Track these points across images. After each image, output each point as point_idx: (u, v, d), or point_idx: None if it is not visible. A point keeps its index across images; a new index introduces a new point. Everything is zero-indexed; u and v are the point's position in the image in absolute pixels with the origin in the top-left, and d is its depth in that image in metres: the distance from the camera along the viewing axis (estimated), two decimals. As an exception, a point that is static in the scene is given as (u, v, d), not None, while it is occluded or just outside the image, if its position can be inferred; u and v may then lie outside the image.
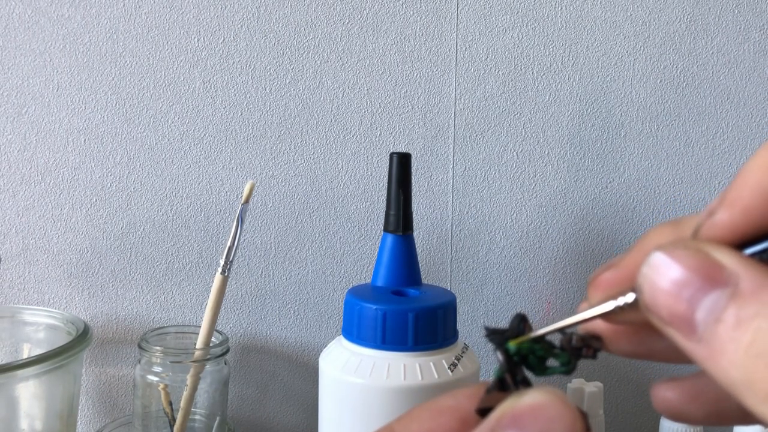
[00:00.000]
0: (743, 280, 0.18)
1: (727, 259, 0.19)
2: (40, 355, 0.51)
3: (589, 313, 0.22)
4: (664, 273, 0.19)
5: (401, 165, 0.52)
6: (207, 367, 0.56)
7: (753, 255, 0.19)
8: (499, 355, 0.23)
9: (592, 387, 0.57)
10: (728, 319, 0.18)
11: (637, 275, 0.20)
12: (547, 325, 0.23)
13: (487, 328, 0.24)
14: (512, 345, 0.23)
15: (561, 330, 0.23)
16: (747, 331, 0.18)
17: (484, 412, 0.22)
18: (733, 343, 0.18)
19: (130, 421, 0.59)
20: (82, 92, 0.62)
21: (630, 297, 0.21)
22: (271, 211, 0.64)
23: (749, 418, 0.21)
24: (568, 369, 0.23)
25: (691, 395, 0.24)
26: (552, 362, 0.23)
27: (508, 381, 0.23)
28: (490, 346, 0.23)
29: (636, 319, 0.21)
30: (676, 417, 0.24)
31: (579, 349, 0.23)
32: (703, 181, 0.67)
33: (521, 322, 0.23)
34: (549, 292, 0.67)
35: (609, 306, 0.22)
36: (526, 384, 0.23)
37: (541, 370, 0.23)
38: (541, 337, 0.23)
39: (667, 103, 0.66)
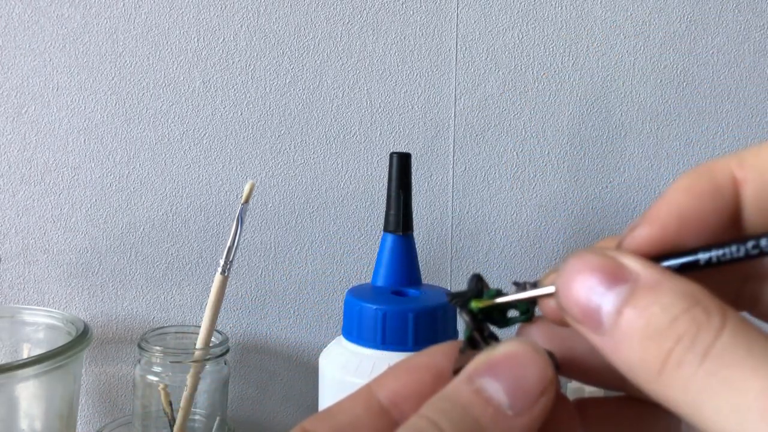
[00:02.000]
0: (642, 277, 0.20)
1: (629, 261, 0.21)
2: (39, 355, 0.51)
3: (516, 296, 0.24)
4: (574, 275, 0.21)
5: (401, 165, 0.52)
6: (207, 367, 0.56)
7: (668, 268, 0.21)
8: (465, 316, 0.24)
9: (592, 388, 0.57)
10: (627, 311, 0.20)
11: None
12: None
13: (448, 293, 0.25)
14: (474, 305, 0.24)
15: (516, 283, 0.24)
16: (642, 317, 0.20)
17: (459, 372, 0.23)
18: (631, 331, 0.20)
19: (129, 421, 0.59)
20: (81, 92, 0.62)
21: (550, 289, 0.22)
22: (271, 211, 0.64)
23: None
24: (528, 316, 0.25)
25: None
26: (512, 313, 0.25)
27: (477, 338, 0.24)
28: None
29: (558, 315, 0.23)
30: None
31: (534, 301, 0.24)
32: (703, 181, 0.67)
33: (478, 282, 0.25)
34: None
35: (534, 293, 0.23)
36: (495, 339, 0.24)
37: (504, 322, 0.25)
38: (499, 292, 0.25)
39: (667, 103, 0.66)
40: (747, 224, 0.22)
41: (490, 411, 0.21)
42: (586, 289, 0.21)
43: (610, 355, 0.20)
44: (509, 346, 0.22)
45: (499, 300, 0.24)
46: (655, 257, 0.21)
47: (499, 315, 0.25)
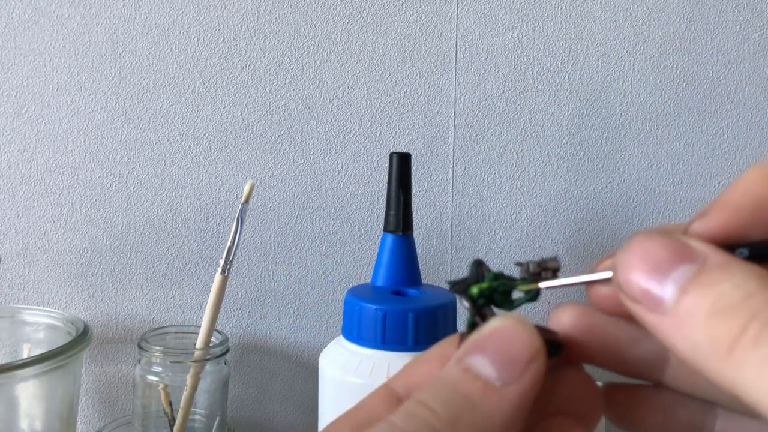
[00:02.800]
0: (711, 258, 0.20)
1: (696, 243, 0.20)
2: (39, 355, 0.51)
3: (566, 281, 0.24)
4: (637, 253, 0.20)
5: (401, 165, 0.52)
6: (207, 367, 0.56)
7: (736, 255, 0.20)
8: (465, 302, 0.24)
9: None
10: (694, 289, 0.19)
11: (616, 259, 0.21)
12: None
13: (449, 282, 0.25)
14: (474, 289, 0.24)
15: (518, 263, 0.25)
16: (710, 295, 0.19)
17: None
18: (697, 308, 0.19)
19: (129, 421, 0.59)
20: (81, 92, 0.62)
21: (607, 274, 0.22)
22: (271, 211, 0.64)
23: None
24: (532, 296, 0.24)
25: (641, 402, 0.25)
26: (516, 294, 0.25)
27: (479, 323, 0.24)
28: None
29: (608, 303, 0.23)
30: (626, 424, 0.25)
31: (538, 274, 0.24)
32: (703, 181, 0.67)
33: (479, 267, 0.25)
34: (549, 292, 0.67)
35: (587, 278, 0.23)
36: None
37: (509, 304, 0.25)
38: (501, 274, 0.25)
39: (667, 103, 0.66)
40: None
41: (479, 385, 0.21)
42: (648, 267, 0.20)
43: (670, 336, 0.20)
44: (494, 322, 0.22)
45: (524, 286, 0.24)
46: (724, 246, 0.21)
47: (502, 298, 0.24)
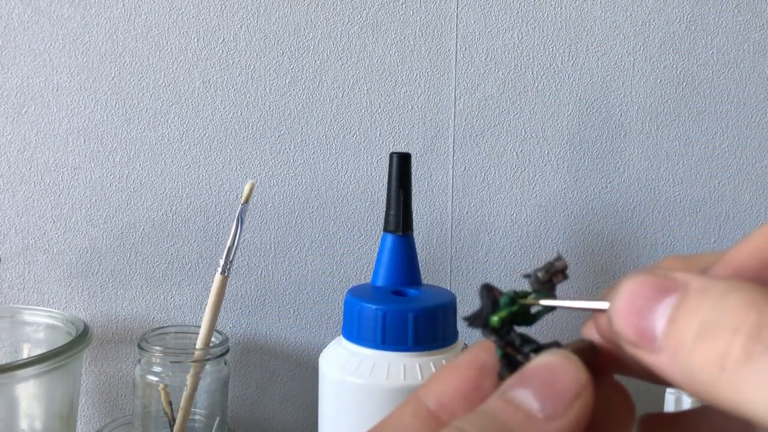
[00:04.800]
0: (692, 283, 0.20)
1: (678, 273, 0.20)
2: (39, 355, 0.51)
3: (568, 303, 0.23)
4: (624, 297, 0.20)
5: (401, 165, 0.52)
6: (207, 367, 0.56)
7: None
8: (489, 335, 0.23)
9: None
10: (679, 317, 0.19)
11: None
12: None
13: (465, 318, 0.24)
14: (495, 320, 0.23)
15: (526, 275, 0.24)
16: (694, 318, 0.19)
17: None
18: (685, 335, 0.19)
19: (130, 421, 0.59)
20: (81, 92, 0.62)
21: (604, 304, 0.21)
22: (271, 211, 0.64)
23: None
24: (551, 307, 0.24)
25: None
26: (534, 308, 0.24)
27: (511, 352, 0.23)
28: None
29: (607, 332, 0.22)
30: None
31: (549, 281, 0.24)
32: (703, 181, 0.67)
33: (490, 292, 0.24)
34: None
35: (586, 304, 0.23)
36: (530, 343, 0.23)
37: (531, 319, 0.24)
38: (514, 294, 0.24)
39: (667, 103, 0.66)
40: None
41: (520, 416, 0.20)
42: (636, 308, 0.20)
43: (669, 372, 0.19)
44: (540, 358, 0.21)
45: (519, 303, 0.24)
46: None
47: (523, 317, 0.24)
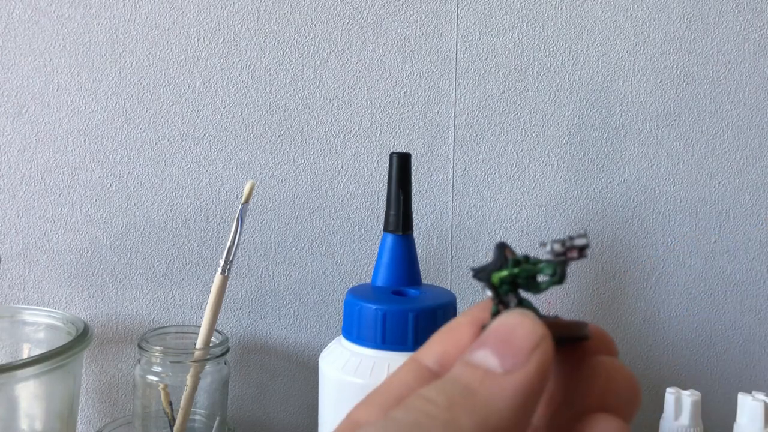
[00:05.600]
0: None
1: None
2: (40, 355, 0.51)
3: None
4: None
5: (401, 165, 0.52)
6: (207, 367, 0.56)
7: None
8: (488, 291, 0.23)
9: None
10: None
11: None
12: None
13: (473, 269, 0.24)
14: (495, 277, 0.23)
15: (542, 243, 0.23)
16: None
17: None
18: None
19: (130, 421, 0.59)
20: (82, 92, 0.62)
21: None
22: (271, 211, 0.64)
23: None
24: (558, 278, 0.23)
25: None
26: (542, 277, 0.23)
27: (502, 311, 0.23)
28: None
29: None
30: None
31: (563, 254, 0.23)
32: (703, 181, 0.67)
33: (502, 251, 0.24)
34: (549, 292, 0.67)
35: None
36: (528, 308, 0.23)
37: (535, 287, 0.24)
38: (525, 258, 0.23)
39: (667, 103, 0.66)
40: None
41: (479, 374, 0.20)
42: None
43: None
44: (498, 318, 0.22)
45: (518, 268, 0.23)
46: None
47: (526, 282, 0.23)
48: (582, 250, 0.23)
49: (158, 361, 0.56)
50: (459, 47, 0.64)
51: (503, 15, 0.64)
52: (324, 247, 0.65)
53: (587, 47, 0.65)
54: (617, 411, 0.22)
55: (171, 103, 0.63)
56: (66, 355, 0.52)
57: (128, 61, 0.62)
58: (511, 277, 0.23)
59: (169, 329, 0.60)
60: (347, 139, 0.64)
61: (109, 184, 0.63)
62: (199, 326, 0.56)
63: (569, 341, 0.23)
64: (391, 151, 0.56)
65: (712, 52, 0.66)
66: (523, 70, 0.65)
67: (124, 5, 0.61)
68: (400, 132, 0.64)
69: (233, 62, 0.63)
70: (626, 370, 0.23)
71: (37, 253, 0.63)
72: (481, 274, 0.24)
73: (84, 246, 0.63)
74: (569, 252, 0.23)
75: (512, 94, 0.65)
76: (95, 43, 0.62)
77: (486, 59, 0.64)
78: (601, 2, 0.64)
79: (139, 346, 0.56)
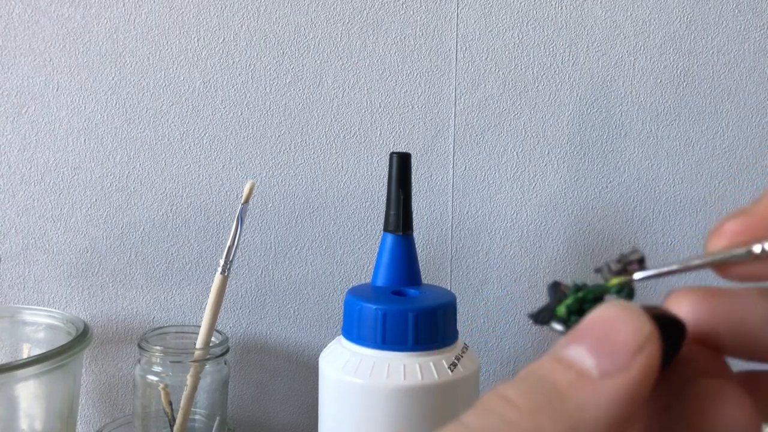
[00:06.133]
0: None
1: None
2: (39, 355, 0.51)
3: (710, 258, 0.20)
4: None
5: (401, 165, 0.52)
6: (207, 366, 0.56)
7: None
8: (557, 326, 0.21)
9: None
10: None
11: None
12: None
13: (530, 315, 0.22)
14: (561, 308, 0.21)
15: (597, 269, 0.22)
16: None
17: None
18: None
19: (130, 421, 0.59)
20: (82, 92, 0.62)
21: (741, 250, 0.19)
22: (271, 210, 0.64)
23: None
24: (627, 292, 0.21)
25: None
26: (609, 297, 0.21)
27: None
28: (544, 328, 0.22)
29: (758, 275, 0.19)
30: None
31: (623, 270, 0.22)
32: (704, 181, 0.67)
33: (557, 287, 0.22)
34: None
35: (739, 251, 0.19)
36: None
37: None
38: (584, 285, 0.22)
39: (667, 103, 0.66)
40: None
41: (572, 375, 0.17)
42: None
43: None
44: (596, 311, 0.19)
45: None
46: None
47: (593, 307, 0.20)
48: (641, 263, 0.22)
49: (158, 361, 0.56)
50: (459, 47, 0.64)
51: (503, 15, 0.64)
52: (324, 247, 0.65)
53: (587, 47, 0.65)
54: None
55: (171, 103, 0.63)
56: (66, 355, 0.52)
57: (128, 61, 0.62)
58: (578, 303, 0.21)
59: (169, 329, 0.60)
60: (347, 139, 0.64)
61: (109, 184, 0.63)
62: (199, 326, 0.56)
63: (673, 344, 0.20)
64: (391, 151, 0.56)
65: (712, 52, 0.66)
66: (523, 70, 0.65)
67: (124, 5, 0.61)
68: (400, 132, 0.64)
69: (233, 62, 0.63)
70: (746, 400, 0.19)
71: (37, 252, 0.63)
72: (544, 314, 0.21)
73: (84, 246, 0.63)
74: (629, 266, 0.22)
75: (512, 93, 0.65)
76: (95, 43, 0.62)
77: (486, 59, 0.64)
78: (601, 2, 0.64)
79: (139, 346, 0.56)
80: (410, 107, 0.64)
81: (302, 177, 0.64)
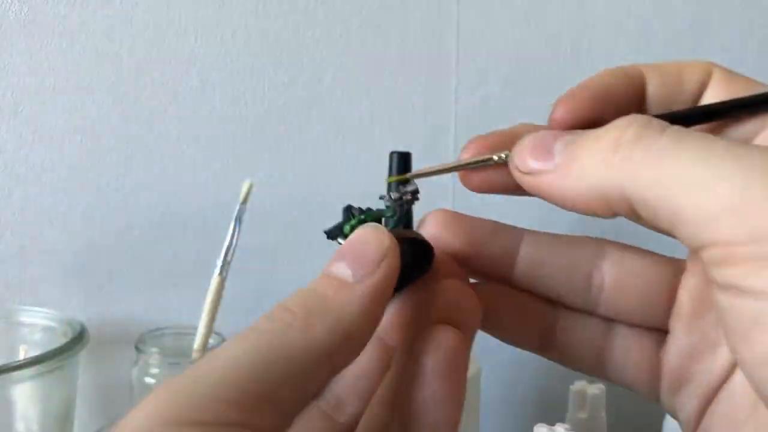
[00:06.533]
0: (586, 131, 0.24)
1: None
2: (36, 356, 0.51)
3: (458, 163, 0.28)
4: (528, 141, 0.25)
5: (401, 164, 0.51)
6: (205, 369, 0.56)
7: None
8: (341, 241, 0.27)
9: (595, 389, 0.56)
10: (577, 137, 0.23)
11: (511, 151, 0.26)
12: None
13: (324, 231, 0.28)
14: (347, 228, 0.27)
15: (381, 197, 0.29)
16: (592, 134, 0.23)
17: None
18: (581, 144, 0.23)
19: (127, 424, 0.59)
20: (78, 91, 0.62)
21: (503, 153, 0.27)
22: (269, 211, 0.64)
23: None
24: (398, 218, 0.28)
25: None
26: (386, 221, 0.28)
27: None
28: (332, 242, 0.28)
29: (491, 182, 0.28)
30: None
31: (399, 198, 0.28)
32: (706, 181, 0.67)
33: (348, 210, 0.28)
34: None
35: (482, 157, 0.27)
36: None
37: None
38: (369, 209, 0.28)
39: (670, 102, 0.66)
40: (649, 110, 0.26)
41: (335, 284, 0.23)
42: (538, 144, 0.24)
43: (562, 186, 0.23)
44: (354, 233, 0.25)
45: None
46: None
47: None
48: (414, 194, 0.29)
49: (156, 362, 0.56)
50: (460, 46, 0.64)
51: (504, 13, 0.64)
52: (323, 247, 0.65)
53: (589, 46, 0.64)
54: (457, 324, 0.25)
55: (168, 102, 0.62)
56: (63, 356, 0.52)
57: (125, 60, 0.62)
58: (360, 224, 0.27)
59: (166, 331, 0.59)
60: (347, 139, 0.64)
61: (106, 184, 0.63)
62: (197, 328, 0.56)
63: (420, 256, 0.26)
64: (391, 150, 0.55)
65: (716, 51, 0.65)
66: (525, 69, 0.64)
67: (120, 3, 0.61)
68: (400, 132, 0.64)
69: (231, 61, 0.62)
70: (467, 288, 0.27)
71: (33, 253, 0.63)
72: (333, 231, 0.28)
73: (81, 246, 0.63)
74: (404, 196, 0.29)
75: (513, 93, 0.64)
76: (92, 42, 0.61)
77: (487, 58, 0.64)
78: (603, 0, 0.64)
79: (137, 348, 0.56)
80: (410, 107, 0.64)
81: (301, 177, 0.64)
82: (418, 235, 0.27)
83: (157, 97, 0.62)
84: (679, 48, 0.65)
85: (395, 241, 0.24)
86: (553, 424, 0.50)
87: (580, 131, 0.24)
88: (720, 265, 0.20)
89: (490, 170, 0.28)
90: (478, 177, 0.28)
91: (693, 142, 0.20)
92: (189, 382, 0.20)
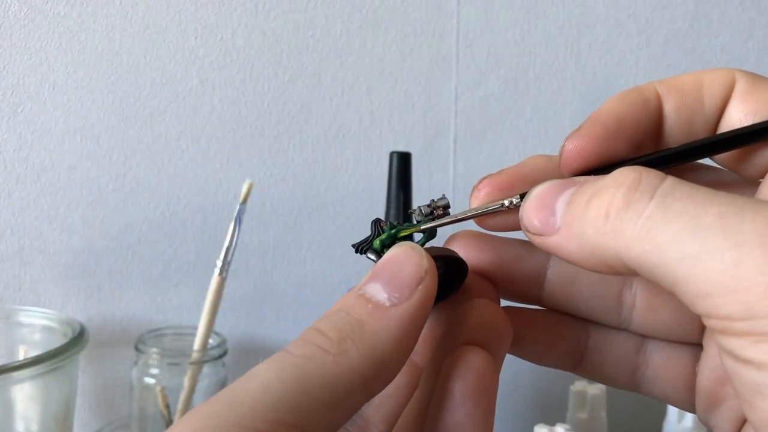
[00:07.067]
0: (587, 179, 0.23)
1: (580, 177, 0.24)
2: (36, 356, 0.51)
3: (471, 212, 0.27)
4: (532, 198, 0.24)
5: (401, 164, 0.51)
6: (204, 369, 0.56)
7: None
8: (370, 255, 0.26)
9: (595, 389, 0.56)
10: (574, 198, 0.22)
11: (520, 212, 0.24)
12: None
13: (353, 245, 0.27)
14: (377, 242, 0.26)
15: (411, 211, 0.27)
16: (587, 192, 0.22)
17: None
18: (577, 207, 0.22)
19: (127, 424, 0.59)
20: (78, 91, 0.61)
21: (514, 199, 0.25)
22: (269, 211, 0.64)
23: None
24: (429, 233, 0.27)
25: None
26: (419, 238, 0.27)
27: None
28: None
29: (507, 224, 0.26)
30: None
31: (430, 214, 0.27)
32: (706, 181, 0.66)
33: (377, 224, 0.27)
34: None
35: (494, 205, 0.26)
36: None
37: None
38: (398, 224, 0.27)
39: (670, 102, 0.65)
40: (668, 134, 0.25)
41: (370, 307, 0.22)
42: (541, 203, 0.23)
43: (566, 247, 0.22)
44: (388, 252, 0.24)
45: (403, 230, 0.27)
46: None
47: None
48: (445, 209, 0.27)
49: (155, 363, 0.55)
50: (460, 45, 0.63)
51: (504, 12, 0.64)
52: (324, 247, 0.65)
53: (590, 45, 0.64)
54: (486, 345, 0.24)
55: (168, 102, 0.62)
56: (62, 356, 0.51)
57: (125, 60, 0.61)
58: (391, 239, 0.26)
59: (166, 331, 0.59)
60: (347, 139, 0.64)
61: (105, 184, 0.62)
62: (197, 328, 0.56)
63: (454, 276, 0.26)
64: (391, 150, 0.55)
65: (716, 50, 0.65)
66: (525, 68, 0.64)
67: (120, 3, 0.61)
68: (400, 131, 0.64)
69: (231, 60, 0.62)
70: (498, 309, 0.26)
71: (33, 253, 0.63)
72: (363, 245, 0.26)
73: (80, 246, 0.63)
74: (435, 211, 0.27)
75: (514, 92, 0.64)
76: (91, 41, 0.61)
77: (487, 57, 0.64)
78: (603, 0, 0.64)
79: (136, 348, 0.56)
80: (410, 107, 0.64)
81: (301, 177, 0.64)
82: (454, 252, 0.26)
83: (156, 97, 0.62)
84: (679, 48, 0.65)
85: (433, 263, 0.23)
86: (553, 425, 0.50)
87: (582, 181, 0.23)
88: (721, 333, 0.20)
89: (502, 215, 0.27)
90: (492, 221, 0.27)
91: (682, 209, 0.20)
92: (222, 408, 0.21)
